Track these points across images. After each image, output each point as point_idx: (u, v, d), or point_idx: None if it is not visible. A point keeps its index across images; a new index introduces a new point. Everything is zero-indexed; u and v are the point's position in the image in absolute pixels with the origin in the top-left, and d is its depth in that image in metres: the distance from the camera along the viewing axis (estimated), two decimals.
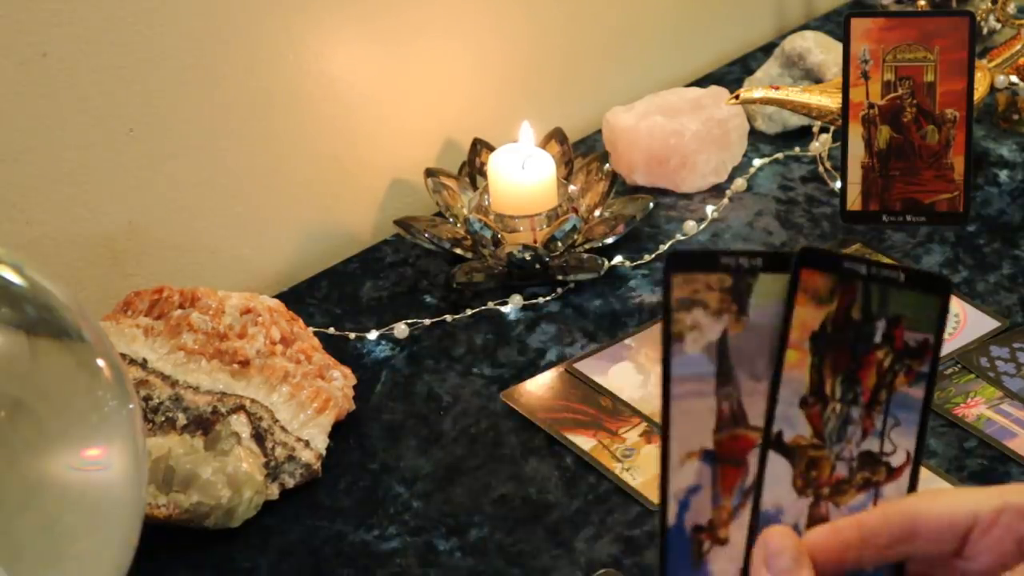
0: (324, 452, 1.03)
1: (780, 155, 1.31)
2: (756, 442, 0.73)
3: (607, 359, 1.10)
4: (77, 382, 0.82)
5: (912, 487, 0.75)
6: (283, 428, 1.01)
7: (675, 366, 0.71)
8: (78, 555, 0.82)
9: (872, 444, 0.75)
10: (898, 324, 0.74)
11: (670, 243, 1.22)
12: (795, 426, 0.73)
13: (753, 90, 1.21)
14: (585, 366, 1.10)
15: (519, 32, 1.31)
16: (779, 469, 0.73)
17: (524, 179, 1.18)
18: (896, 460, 0.75)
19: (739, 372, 0.72)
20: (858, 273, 0.73)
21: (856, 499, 0.74)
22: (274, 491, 1.00)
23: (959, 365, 1.08)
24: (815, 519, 0.73)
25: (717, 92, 1.30)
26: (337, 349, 1.11)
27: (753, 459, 0.73)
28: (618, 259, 1.20)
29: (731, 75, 1.42)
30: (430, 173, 1.22)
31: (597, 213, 1.21)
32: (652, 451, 1.02)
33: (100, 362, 0.83)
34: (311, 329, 1.11)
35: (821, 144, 1.27)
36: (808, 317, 0.73)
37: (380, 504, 1.01)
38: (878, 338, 0.74)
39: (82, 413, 0.81)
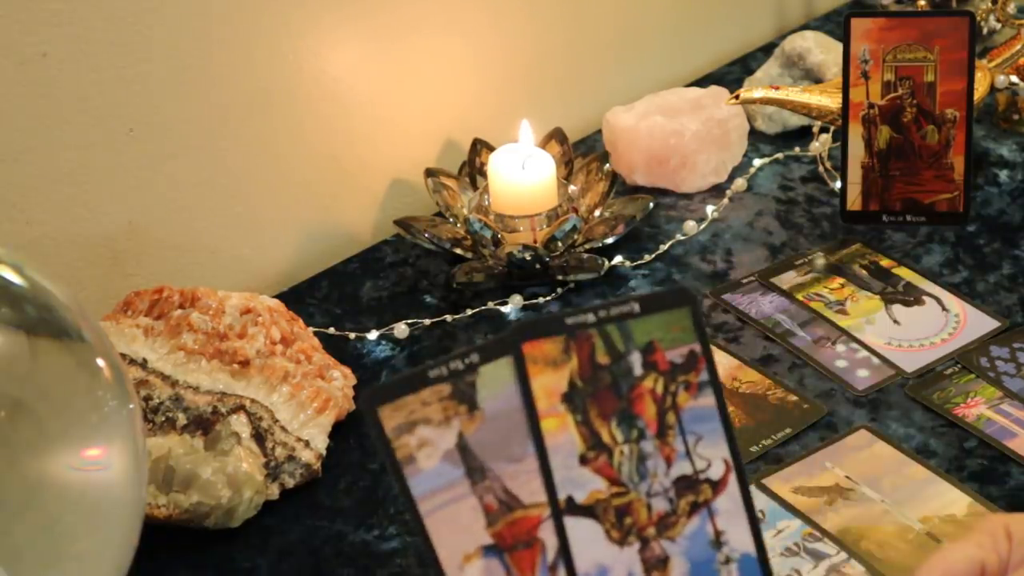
0: (324, 452, 1.03)
1: (780, 155, 1.31)
2: (541, 518, 0.72)
3: None
4: (77, 382, 0.82)
5: (743, 490, 0.74)
6: (283, 428, 1.01)
7: (415, 486, 0.71)
8: (78, 555, 0.82)
9: (683, 468, 0.74)
10: (653, 350, 0.74)
11: (670, 243, 1.22)
12: (584, 485, 0.72)
13: (753, 90, 1.21)
14: None
15: (519, 32, 1.31)
16: (585, 530, 0.72)
17: (524, 179, 1.18)
18: (715, 473, 0.74)
19: (493, 462, 0.72)
20: (586, 323, 0.73)
21: (689, 526, 0.74)
22: (274, 491, 1.00)
23: (959, 365, 1.08)
24: (650, 562, 0.73)
25: (717, 92, 1.30)
26: (337, 349, 1.11)
27: (547, 533, 0.72)
28: (618, 259, 1.20)
29: (731, 75, 1.42)
30: (430, 173, 1.22)
31: (597, 213, 1.21)
32: None
33: (100, 362, 0.83)
34: (311, 329, 1.11)
35: (821, 144, 1.27)
36: (550, 383, 0.72)
37: (380, 504, 1.01)
38: (638, 370, 0.74)
39: (82, 413, 0.81)
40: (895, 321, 1.12)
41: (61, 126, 1.07)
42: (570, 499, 0.72)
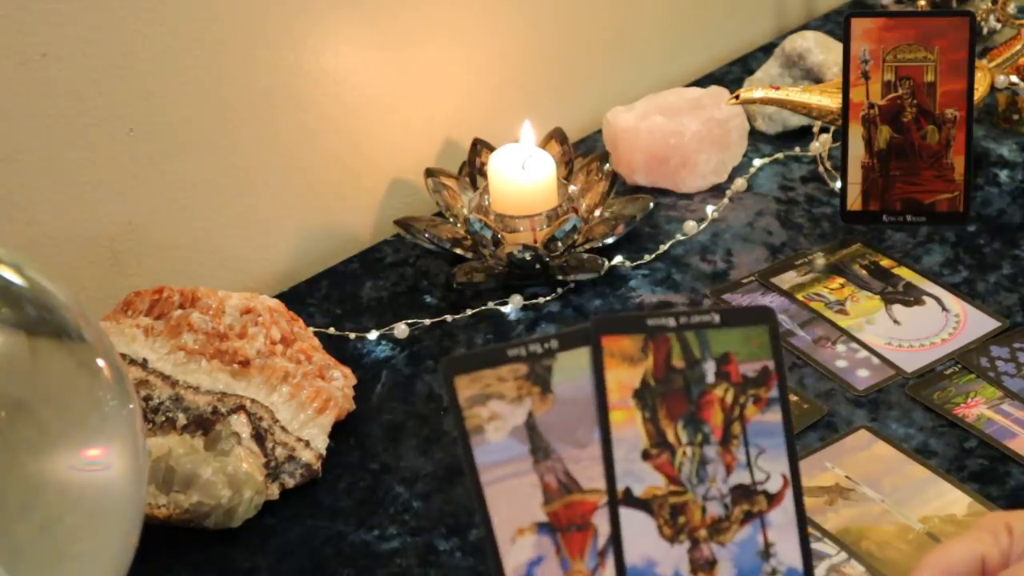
0: (324, 452, 1.03)
1: (780, 155, 1.31)
2: (597, 504, 0.73)
3: None
4: (77, 382, 0.82)
5: (799, 507, 0.76)
6: (283, 428, 1.01)
7: (480, 455, 0.72)
8: (78, 555, 0.82)
9: (742, 477, 0.75)
10: (728, 361, 0.75)
11: (670, 243, 1.22)
12: (643, 479, 0.74)
13: (753, 90, 1.21)
14: None
15: (520, 32, 1.31)
16: (638, 523, 0.74)
17: (524, 179, 1.18)
18: (773, 486, 0.76)
19: (558, 445, 0.73)
20: (666, 327, 0.75)
21: (741, 534, 0.75)
22: (274, 491, 1.00)
23: (959, 365, 1.08)
24: (698, 562, 0.74)
25: (717, 92, 1.30)
26: (337, 349, 1.11)
27: (600, 520, 0.73)
28: (618, 259, 1.20)
29: (731, 75, 1.42)
30: (430, 173, 1.22)
31: (597, 213, 1.21)
32: None
33: (100, 362, 0.83)
34: (311, 329, 1.11)
35: (821, 144, 1.27)
36: (624, 377, 0.74)
37: (380, 504, 1.01)
38: (711, 378, 0.75)
39: (82, 413, 0.81)
40: (895, 321, 1.12)
41: (61, 126, 1.07)
42: (628, 490, 0.74)
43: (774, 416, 0.76)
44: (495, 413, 0.72)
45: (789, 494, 0.76)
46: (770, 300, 1.15)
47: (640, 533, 0.74)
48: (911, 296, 1.14)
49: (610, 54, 1.38)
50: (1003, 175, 1.27)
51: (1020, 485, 0.98)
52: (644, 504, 0.74)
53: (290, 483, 1.01)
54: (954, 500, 0.97)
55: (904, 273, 1.16)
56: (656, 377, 0.74)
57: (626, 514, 0.73)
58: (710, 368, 0.75)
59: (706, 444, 0.75)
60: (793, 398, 1.06)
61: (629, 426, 0.74)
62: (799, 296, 1.15)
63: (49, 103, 1.05)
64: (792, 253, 1.20)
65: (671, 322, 0.75)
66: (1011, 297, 1.14)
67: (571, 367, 0.73)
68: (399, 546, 0.98)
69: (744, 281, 1.17)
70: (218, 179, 1.16)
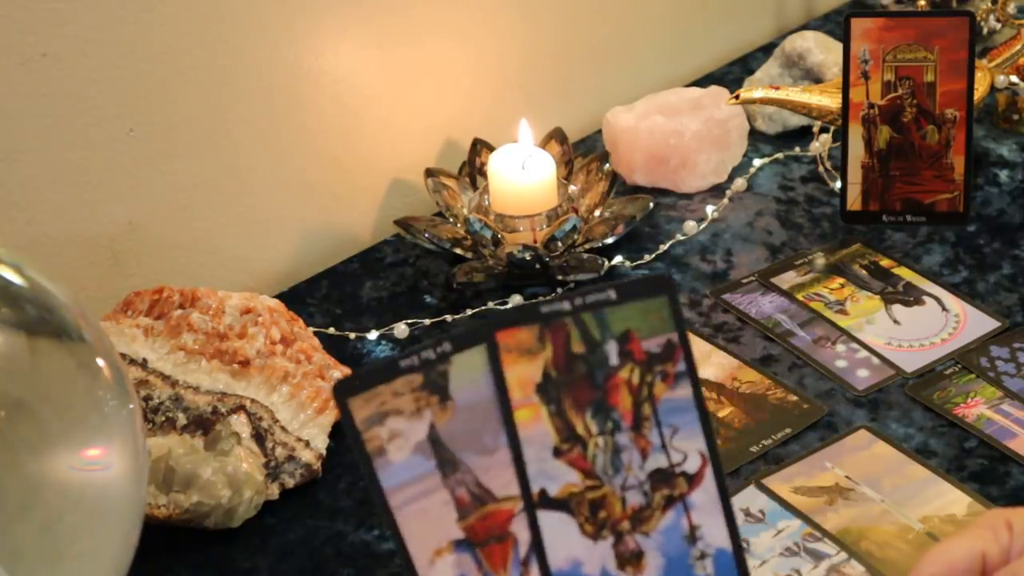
0: (324, 452, 1.03)
1: (780, 155, 1.31)
2: (513, 512, 0.71)
3: None
4: (77, 382, 0.82)
5: (720, 485, 0.73)
6: (283, 428, 1.01)
7: (385, 478, 0.69)
8: (78, 555, 0.81)
9: (658, 461, 0.72)
10: (630, 339, 0.72)
11: (670, 243, 1.22)
12: (557, 478, 0.71)
13: (753, 90, 1.21)
14: None
15: (520, 32, 1.31)
16: (558, 524, 0.71)
17: (524, 179, 1.18)
18: (691, 466, 0.73)
19: (464, 455, 0.70)
20: (562, 311, 0.71)
21: (664, 521, 0.73)
22: (274, 491, 1.00)
23: (959, 365, 1.08)
24: (624, 556, 0.72)
25: (717, 92, 1.30)
26: (337, 349, 1.11)
27: (519, 527, 0.71)
28: (618, 259, 1.20)
29: (731, 75, 1.42)
30: (430, 173, 1.22)
31: (597, 213, 1.21)
32: None
33: (100, 362, 0.83)
34: (311, 329, 1.11)
35: (821, 144, 1.27)
36: (524, 372, 0.71)
37: None
38: (614, 359, 0.72)
39: (82, 413, 0.81)
40: (895, 321, 1.12)
41: (61, 126, 1.07)
42: (543, 492, 0.71)
43: (684, 391, 0.73)
44: (395, 431, 0.69)
45: (709, 472, 0.73)
46: (770, 300, 1.15)
47: (561, 535, 0.71)
48: (911, 296, 1.14)
49: (610, 54, 1.38)
50: (1003, 175, 1.27)
51: (1020, 485, 0.98)
52: (562, 504, 0.71)
53: (290, 483, 1.01)
54: (954, 500, 0.97)
55: (904, 273, 1.16)
56: (557, 367, 0.71)
57: (544, 517, 0.71)
58: (612, 349, 0.72)
59: (617, 431, 0.72)
60: (793, 398, 1.06)
61: (536, 424, 0.71)
62: (799, 296, 1.15)
63: (49, 103, 1.05)
64: (792, 253, 1.20)
65: (566, 305, 0.71)
66: (1011, 297, 1.14)
67: (468, 369, 0.70)
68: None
69: (744, 281, 1.17)
70: (218, 179, 1.16)
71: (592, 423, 0.72)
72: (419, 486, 0.70)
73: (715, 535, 0.74)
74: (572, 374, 0.72)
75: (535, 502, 0.71)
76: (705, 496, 0.73)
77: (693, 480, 0.73)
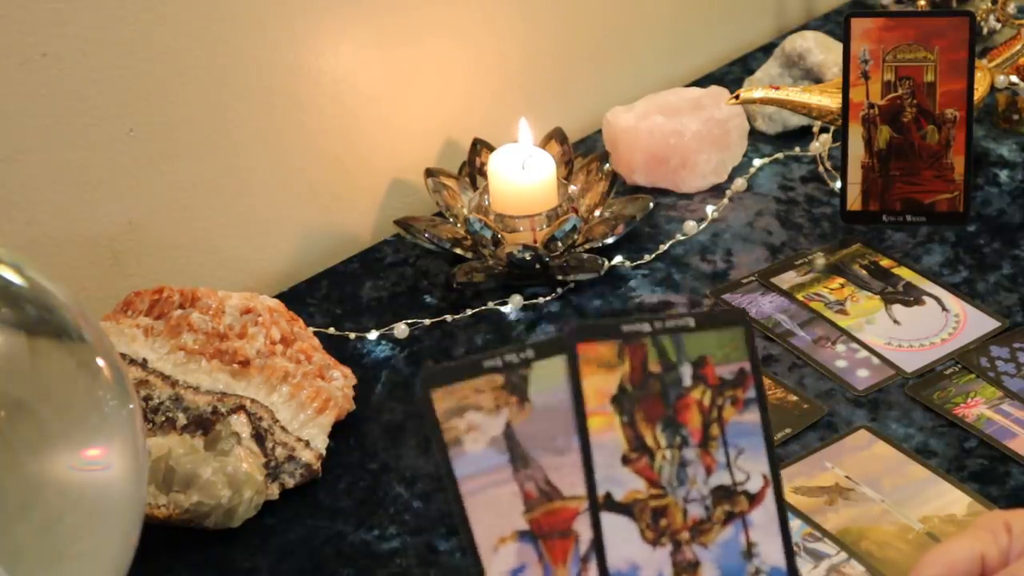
0: (324, 452, 1.03)
1: (780, 155, 1.31)
2: (578, 510, 0.73)
3: None
4: (77, 382, 0.82)
5: (780, 507, 0.76)
6: (283, 428, 1.01)
7: (459, 467, 0.72)
8: (78, 555, 0.82)
9: (722, 478, 0.75)
10: (704, 364, 0.76)
11: (670, 243, 1.22)
12: (624, 483, 0.74)
13: (753, 90, 1.21)
14: None
15: (520, 32, 1.31)
16: (621, 527, 0.74)
17: (524, 179, 1.18)
18: (753, 486, 0.76)
19: (537, 453, 0.73)
20: (641, 332, 0.75)
21: (723, 535, 0.75)
22: (274, 491, 1.00)
23: (959, 365, 1.08)
24: (681, 565, 0.74)
25: (717, 92, 1.30)
26: (337, 349, 1.11)
27: (582, 526, 0.73)
28: (618, 259, 1.20)
29: (731, 75, 1.42)
30: (430, 173, 1.22)
31: (597, 213, 1.21)
32: None
33: (100, 362, 0.83)
34: (311, 329, 1.11)
35: (821, 144, 1.27)
36: (601, 383, 0.74)
37: (380, 504, 1.01)
38: (687, 381, 0.75)
39: (82, 413, 0.81)
40: (895, 321, 1.12)
41: (61, 126, 1.07)
42: (609, 496, 0.74)
43: (752, 416, 0.76)
44: (472, 424, 0.72)
45: (770, 493, 0.76)
46: (770, 300, 1.15)
47: (622, 537, 0.73)
48: (911, 296, 1.14)
49: (610, 54, 1.38)
50: (1003, 175, 1.27)
51: (1020, 485, 0.98)
52: (625, 508, 0.74)
53: (290, 483, 1.01)
54: (954, 500, 0.97)
55: (904, 273, 1.16)
56: (633, 382, 0.74)
57: (608, 519, 0.73)
58: (686, 371, 0.75)
59: (685, 447, 0.75)
60: (793, 398, 1.06)
61: (607, 432, 0.74)
62: (799, 296, 1.15)
63: (49, 103, 1.05)
64: (792, 253, 1.20)
65: (646, 327, 0.75)
66: (1011, 297, 1.14)
67: (547, 376, 0.73)
68: (399, 546, 0.98)
69: (744, 281, 1.17)
70: (218, 179, 1.16)
71: (661, 436, 0.75)
72: (490, 477, 0.73)
73: (771, 554, 0.76)
74: (646, 390, 0.75)
75: (600, 504, 0.73)
76: (765, 516, 0.76)
77: (754, 499, 0.76)
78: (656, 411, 0.75)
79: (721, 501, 0.75)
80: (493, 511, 0.72)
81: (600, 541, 0.73)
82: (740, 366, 0.76)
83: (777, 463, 0.76)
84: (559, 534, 0.73)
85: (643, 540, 0.74)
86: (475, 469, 0.72)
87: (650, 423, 0.74)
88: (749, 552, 0.76)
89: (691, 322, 0.75)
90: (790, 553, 0.76)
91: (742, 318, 0.76)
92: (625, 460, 0.74)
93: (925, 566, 0.75)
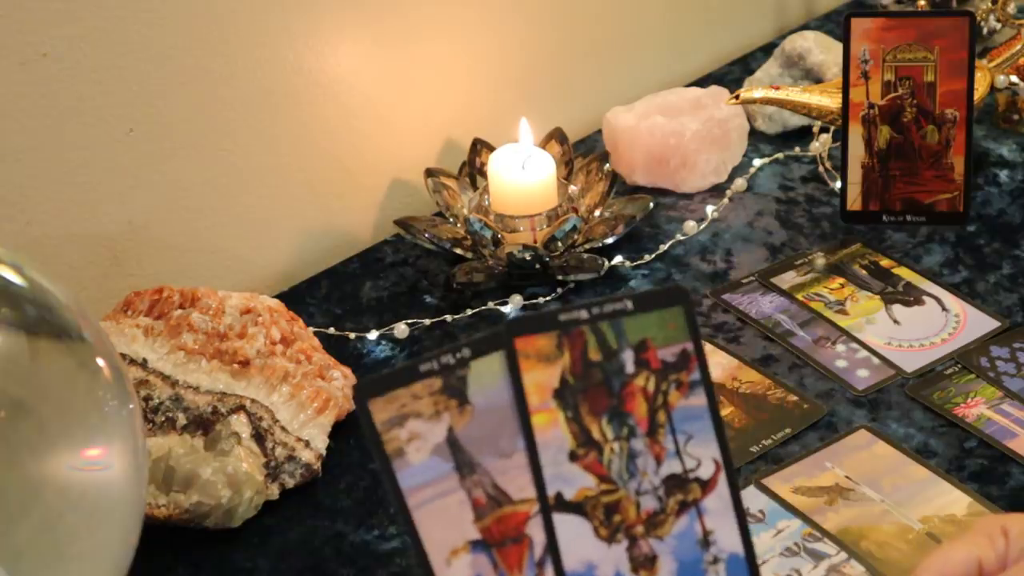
0: (324, 452, 1.03)
1: (780, 155, 1.31)
2: (529, 514, 0.72)
3: None
4: (77, 382, 0.82)
5: (733, 491, 0.74)
6: (283, 428, 1.01)
7: (404, 479, 0.70)
8: (78, 555, 0.82)
9: (673, 467, 0.74)
10: (646, 348, 0.74)
11: (670, 243, 1.22)
12: (573, 481, 0.72)
13: (753, 90, 1.21)
14: None
15: (520, 32, 1.31)
16: (573, 527, 0.72)
17: (524, 179, 1.18)
18: (705, 472, 0.74)
19: (482, 457, 0.72)
20: (579, 319, 0.73)
21: (678, 526, 0.74)
22: (274, 491, 1.00)
23: (959, 365, 1.08)
24: (638, 560, 0.73)
25: (717, 92, 1.30)
26: (337, 349, 1.11)
27: (535, 529, 0.72)
28: (618, 259, 1.20)
29: (731, 75, 1.42)
30: (430, 173, 1.22)
31: (597, 213, 1.21)
32: None
33: (100, 362, 0.83)
34: (311, 329, 1.11)
35: (821, 144, 1.27)
36: (542, 378, 0.72)
37: (380, 504, 1.01)
38: (630, 367, 0.73)
39: (82, 413, 0.81)
40: (895, 321, 1.12)
41: (61, 126, 1.07)
42: (559, 495, 0.72)
43: (698, 400, 0.74)
44: (414, 433, 0.71)
45: (722, 478, 0.74)
46: (770, 300, 1.15)
47: (576, 537, 0.72)
48: (911, 296, 1.14)
49: (610, 54, 1.38)
50: (1003, 175, 1.27)
51: (1020, 485, 0.98)
52: (577, 507, 0.72)
53: (290, 483, 1.01)
54: (954, 500, 0.97)
55: (904, 273, 1.16)
56: (574, 374, 0.72)
57: (560, 520, 0.72)
58: (628, 357, 0.73)
59: (633, 437, 0.73)
60: (793, 398, 1.06)
61: (552, 428, 0.72)
62: (799, 296, 1.15)
63: (49, 103, 1.05)
64: (792, 253, 1.20)
65: (584, 314, 0.73)
66: (1011, 297, 1.14)
67: (486, 374, 0.72)
68: (399, 546, 0.98)
69: (744, 281, 1.17)
70: (218, 179, 1.16)
71: (608, 429, 0.73)
72: (437, 487, 0.71)
73: (728, 540, 0.75)
74: (589, 381, 0.73)
75: (551, 505, 0.72)
76: (718, 502, 0.74)
77: (707, 486, 0.74)
78: (600, 402, 0.73)
79: (674, 491, 0.74)
80: (443, 522, 0.71)
81: (554, 543, 0.72)
82: (682, 347, 0.74)
83: (727, 445, 0.74)
84: (512, 540, 0.72)
85: (597, 538, 0.73)
86: (421, 480, 0.71)
87: (595, 416, 0.73)
88: (706, 540, 0.74)
89: (629, 305, 0.73)
90: (747, 537, 0.75)
91: (682, 296, 0.74)
92: (573, 457, 0.72)
93: (922, 571, 0.75)
